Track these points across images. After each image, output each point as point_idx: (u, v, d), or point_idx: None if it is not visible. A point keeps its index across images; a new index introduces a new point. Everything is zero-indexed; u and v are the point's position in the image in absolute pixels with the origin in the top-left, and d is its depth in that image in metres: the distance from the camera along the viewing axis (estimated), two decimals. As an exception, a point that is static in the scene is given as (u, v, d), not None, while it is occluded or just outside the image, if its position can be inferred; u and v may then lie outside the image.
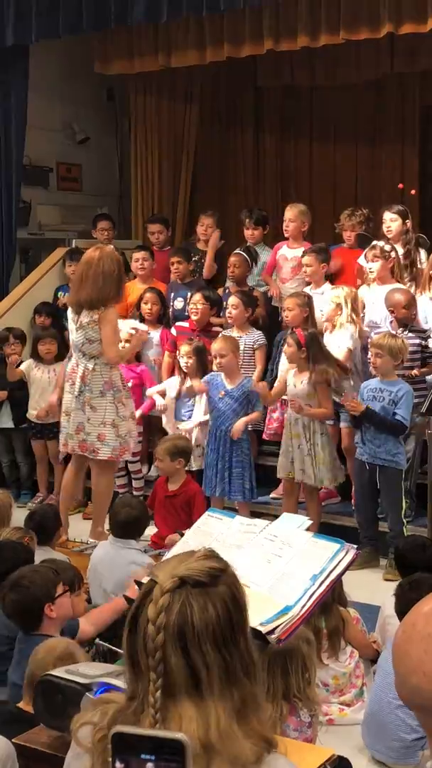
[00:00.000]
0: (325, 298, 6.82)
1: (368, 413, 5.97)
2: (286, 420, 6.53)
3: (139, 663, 1.59)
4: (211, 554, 1.68)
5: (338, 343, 6.63)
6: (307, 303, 6.74)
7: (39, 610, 3.48)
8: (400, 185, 8.15)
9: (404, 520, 6.06)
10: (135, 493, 7.28)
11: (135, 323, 7.30)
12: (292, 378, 6.45)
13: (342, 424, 6.68)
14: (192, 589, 1.59)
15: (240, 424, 6.57)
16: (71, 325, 6.41)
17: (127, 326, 7.13)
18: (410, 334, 6.34)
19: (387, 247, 6.75)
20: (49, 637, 3.47)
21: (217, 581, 1.61)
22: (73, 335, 6.38)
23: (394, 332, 6.25)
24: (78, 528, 6.64)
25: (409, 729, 3.75)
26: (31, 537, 4.86)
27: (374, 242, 6.88)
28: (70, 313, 6.45)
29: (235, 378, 6.65)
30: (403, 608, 3.77)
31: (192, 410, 7.08)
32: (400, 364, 6.08)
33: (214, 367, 6.78)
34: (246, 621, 1.65)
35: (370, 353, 6.25)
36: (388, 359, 6.00)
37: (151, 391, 7.28)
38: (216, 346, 6.68)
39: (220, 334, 7.07)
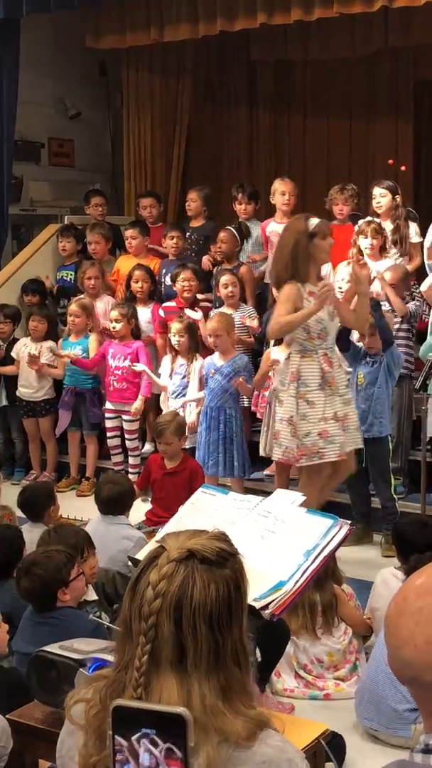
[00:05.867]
0: (341, 275, 6.72)
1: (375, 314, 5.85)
2: (270, 394, 6.47)
3: (131, 627, 1.59)
4: (224, 537, 1.67)
5: None
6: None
7: (52, 596, 3.52)
8: (391, 161, 8.13)
9: (395, 497, 6.06)
10: (131, 470, 7.29)
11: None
12: (278, 353, 6.42)
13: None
14: (199, 564, 1.58)
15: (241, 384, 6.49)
16: None
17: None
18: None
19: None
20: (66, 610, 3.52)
21: (224, 564, 1.61)
22: None
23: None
24: (72, 506, 6.64)
25: (401, 698, 3.75)
26: (11, 513, 4.86)
27: (360, 221, 6.88)
28: None
29: (228, 354, 6.62)
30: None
31: (181, 389, 7.05)
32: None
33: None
34: (244, 611, 1.64)
35: None
36: None
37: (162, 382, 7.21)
38: (211, 325, 6.64)
39: (214, 312, 7.03)
